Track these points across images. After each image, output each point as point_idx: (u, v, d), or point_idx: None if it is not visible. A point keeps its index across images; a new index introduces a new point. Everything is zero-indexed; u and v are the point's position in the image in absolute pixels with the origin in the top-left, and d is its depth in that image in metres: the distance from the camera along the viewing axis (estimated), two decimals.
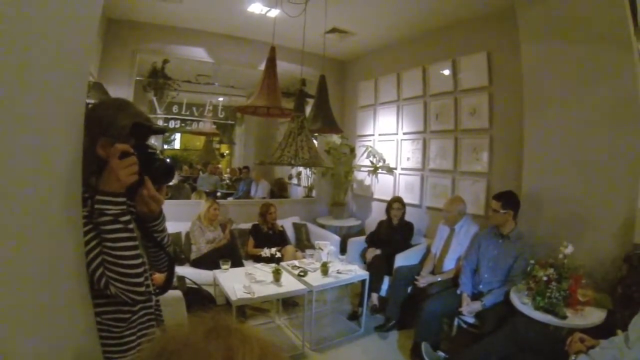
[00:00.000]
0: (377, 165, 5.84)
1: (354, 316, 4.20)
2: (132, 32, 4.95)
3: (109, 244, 1.08)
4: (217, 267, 3.83)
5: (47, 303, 0.83)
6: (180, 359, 0.50)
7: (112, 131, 1.13)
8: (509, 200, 3.36)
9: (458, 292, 3.45)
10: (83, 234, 1.07)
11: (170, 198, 6.95)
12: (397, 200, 4.85)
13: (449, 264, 3.93)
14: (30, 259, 0.75)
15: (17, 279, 0.70)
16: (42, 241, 0.81)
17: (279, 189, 8.73)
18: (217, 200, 5.15)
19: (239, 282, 3.48)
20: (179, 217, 4.74)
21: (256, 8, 4.50)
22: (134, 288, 1.11)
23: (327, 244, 4.36)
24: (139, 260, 1.13)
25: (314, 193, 7.05)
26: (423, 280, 3.84)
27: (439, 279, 3.83)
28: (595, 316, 2.65)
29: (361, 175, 6.36)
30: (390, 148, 5.71)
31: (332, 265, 3.92)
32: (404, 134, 5.48)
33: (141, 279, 1.13)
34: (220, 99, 8.52)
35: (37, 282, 0.78)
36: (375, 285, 4.15)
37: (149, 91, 6.94)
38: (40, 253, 0.80)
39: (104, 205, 1.07)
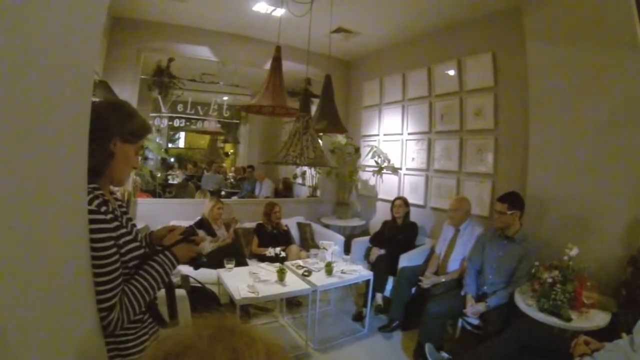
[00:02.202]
0: (382, 166, 5.82)
1: (358, 316, 4.20)
2: (137, 31, 4.97)
3: (152, 284, 1.30)
4: (221, 266, 3.84)
5: (51, 303, 0.83)
6: None
7: (124, 133, 1.29)
8: (514, 201, 3.35)
9: (462, 293, 3.44)
10: (104, 242, 1.14)
11: (174, 197, 6.98)
12: (399, 198, 4.87)
13: (453, 265, 3.92)
14: (34, 259, 0.76)
15: (21, 279, 0.71)
16: (46, 240, 0.82)
17: (284, 189, 8.74)
18: (221, 200, 5.16)
19: (243, 281, 3.48)
20: (183, 216, 4.75)
21: (261, 7, 4.50)
22: (131, 319, 1.23)
23: (332, 243, 4.37)
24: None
25: (318, 193, 7.05)
26: (427, 281, 3.83)
27: (443, 280, 3.82)
28: (599, 319, 2.64)
29: (366, 175, 6.35)
30: (395, 148, 5.70)
31: (336, 265, 3.92)
32: (409, 134, 5.46)
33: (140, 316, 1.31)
34: (225, 98, 8.52)
35: (40, 282, 0.79)
36: (379, 286, 4.15)
37: (153, 90, 6.95)
38: (44, 253, 0.80)
39: (171, 265, 1.39)
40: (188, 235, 1.52)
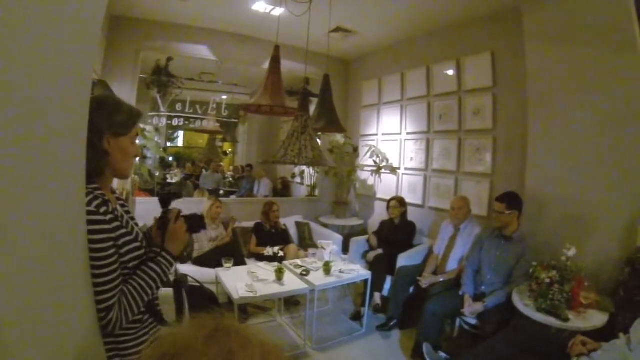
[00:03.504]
0: (380, 165, 5.83)
1: (356, 316, 4.21)
2: (136, 30, 4.96)
3: (150, 284, 1.28)
4: (220, 265, 3.84)
5: (50, 304, 0.83)
6: None
7: (114, 127, 1.25)
8: (513, 200, 3.36)
9: (460, 293, 3.45)
10: (103, 243, 1.14)
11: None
12: (394, 198, 4.87)
13: (452, 265, 3.94)
14: (33, 259, 0.76)
15: (20, 279, 0.70)
16: (45, 241, 0.81)
17: (283, 188, 8.73)
18: (220, 199, 5.16)
19: (241, 280, 3.48)
20: None
21: (260, 7, 4.49)
22: (134, 316, 1.23)
23: (330, 243, 4.37)
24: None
25: (316, 192, 7.05)
26: (426, 281, 3.84)
27: (441, 280, 3.82)
28: (597, 319, 2.65)
29: (364, 175, 6.36)
30: (394, 148, 5.71)
31: (335, 265, 3.93)
32: (408, 134, 5.47)
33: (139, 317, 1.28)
34: (224, 97, 8.51)
35: (39, 282, 0.78)
36: (377, 285, 4.15)
37: (152, 89, 6.94)
38: (43, 253, 0.80)
39: (169, 263, 1.34)
40: (163, 224, 1.42)
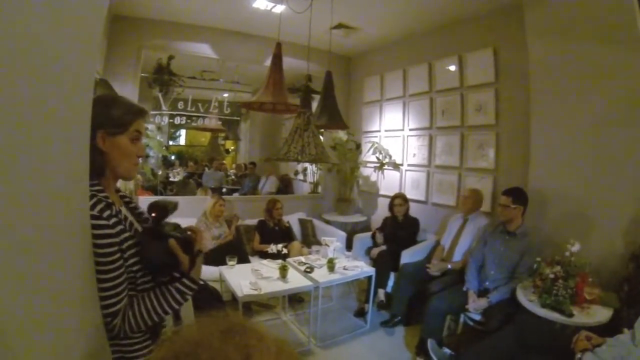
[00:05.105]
0: (383, 162, 5.82)
1: (360, 312, 4.21)
2: (137, 29, 4.95)
3: (166, 309, 1.23)
4: (223, 263, 3.84)
5: (54, 303, 0.83)
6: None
7: (108, 123, 1.19)
8: (519, 195, 3.35)
9: (464, 289, 3.44)
10: (108, 248, 1.11)
11: (176, 194, 6.98)
12: (399, 196, 4.86)
13: (459, 256, 3.96)
14: (37, 258, 0.76)
15: (24, 279, 0.71)
16: (49, 240, 0.82)
17: (285, 185, 8.73)
18: (223, 196, 5.16)
19: (245, 278, 3.49)
20: (184, 214, 4.75)
21: (261, 4, 4.48)
22: (139, 329, 1.19)
23: (333, 240, 4.37)
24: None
25: (319, 189, 7.05)
26: (434, 268, 3.86)
27: (450, 267, 3.85)
28: (601, 314, 2.64)
29: (367, 171, 6.35)
30: (396, 144, 5.70)
31: (338, 262, 3.93)
32: (410, 130, 5.46)
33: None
34: (226, 95, 8.51)
35: (43, 282, 0.79)
36: (381, 282, 4.15)
37: (154, 87, 6.94)
38: (47, 252, 0.80)
39: (190, 292, 1.29)
40: (189, 247, 1.33)
